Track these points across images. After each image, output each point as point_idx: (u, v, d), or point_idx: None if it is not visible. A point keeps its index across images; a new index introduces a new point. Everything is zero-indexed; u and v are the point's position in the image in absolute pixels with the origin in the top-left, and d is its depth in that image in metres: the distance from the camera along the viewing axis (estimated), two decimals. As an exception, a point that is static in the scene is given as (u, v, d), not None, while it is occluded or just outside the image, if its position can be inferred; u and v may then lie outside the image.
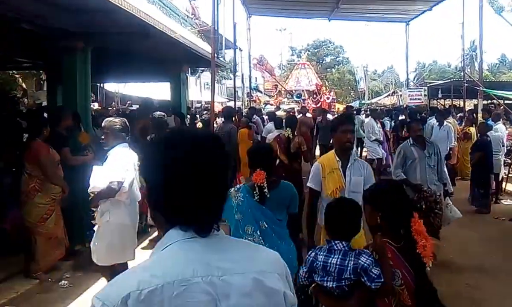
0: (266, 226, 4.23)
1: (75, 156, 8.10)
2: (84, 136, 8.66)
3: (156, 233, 8.65)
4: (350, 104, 31.96)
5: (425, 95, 24.60)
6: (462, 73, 21.34)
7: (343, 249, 3.25)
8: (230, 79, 41.23)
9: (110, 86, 24.55)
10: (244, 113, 17.69)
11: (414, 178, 7.45)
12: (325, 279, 3.23)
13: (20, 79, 20.54)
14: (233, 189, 4.39)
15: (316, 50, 79.68)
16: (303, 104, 29.61)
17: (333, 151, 5.24)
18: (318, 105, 30.06)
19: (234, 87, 17.87)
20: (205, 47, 13.81)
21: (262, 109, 23.14)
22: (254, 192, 4.23)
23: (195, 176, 1.55)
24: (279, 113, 20.21)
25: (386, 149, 14.93)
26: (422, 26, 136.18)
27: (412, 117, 14.79)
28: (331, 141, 6.56)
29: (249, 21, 26.83)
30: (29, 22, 7.76)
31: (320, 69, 72.77)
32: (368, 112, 20.88)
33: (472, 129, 14.67)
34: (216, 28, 11.67)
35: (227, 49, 26.42)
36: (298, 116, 16.91)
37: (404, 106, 23.93)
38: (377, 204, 3.35)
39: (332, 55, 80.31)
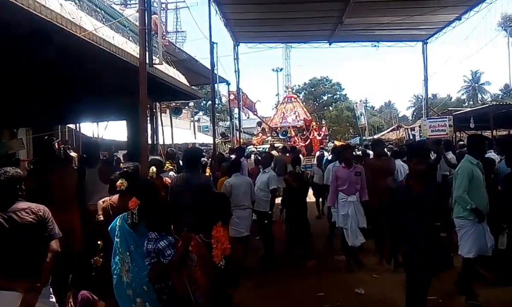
0: (133, 248, 4.76)
1: None
2: None
3: None
4: (348, 142, 27.36)
5: (450, 126, 19.77)
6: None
7: (155, 237, 4.44)
8: (227, 120, 37.23)
9: (89, 129, 18.36)
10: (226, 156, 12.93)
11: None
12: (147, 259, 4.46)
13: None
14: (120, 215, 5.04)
15: (313, 89, 76.47)
16: (289, 142, 24.94)
17: None
18: (307, 142, 25.80)
19: (214, 122, 12.83)
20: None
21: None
22: (128, 217, 4.82)
23: None
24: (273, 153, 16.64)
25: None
26: (416, 59, 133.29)
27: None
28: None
29: (237, 50, 22.73)
30: None
31: (317, 108, 69.18)
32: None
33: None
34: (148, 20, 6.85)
35: (221, 83, 22.29)
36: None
37: (426, 138, 19.17)
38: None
39: (330, 93, 76.78)
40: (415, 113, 76.74)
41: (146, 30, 6.27)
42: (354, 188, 8.31)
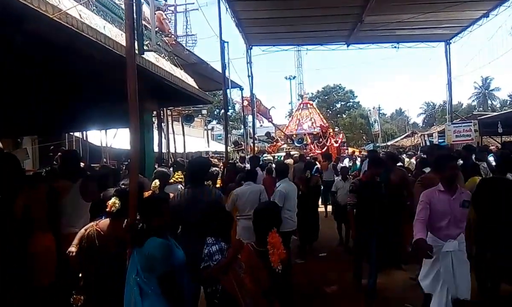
0: (134, 276, 4.03)
1: None
2: None
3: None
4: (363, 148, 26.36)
5: (475, 131, 18.19)
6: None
7: (212, 242, 4.38)
8: (241, 128, 35.81)
9: (96, 138, 16.49)
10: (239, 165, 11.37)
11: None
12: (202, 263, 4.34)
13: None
14: None
15: (326, 97, 75.19)
16: (305, 150, 23.37)
17: None
18: (324, 149, 24.09)
19: (226, 127, 11.20)
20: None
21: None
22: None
23: None
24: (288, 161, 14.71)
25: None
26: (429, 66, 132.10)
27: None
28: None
29: (250, 53, 21.14)
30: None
31: (330, 116, 68.02)
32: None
33: None
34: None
35: (233, 88, 20.94)
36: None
37: (449, 145, 17.59)
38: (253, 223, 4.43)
39: (343, 101, 75.33)
40: (426, 120, 75.03)
41: (134, 8, 4.69)
42: (457, 229, 4.95)
